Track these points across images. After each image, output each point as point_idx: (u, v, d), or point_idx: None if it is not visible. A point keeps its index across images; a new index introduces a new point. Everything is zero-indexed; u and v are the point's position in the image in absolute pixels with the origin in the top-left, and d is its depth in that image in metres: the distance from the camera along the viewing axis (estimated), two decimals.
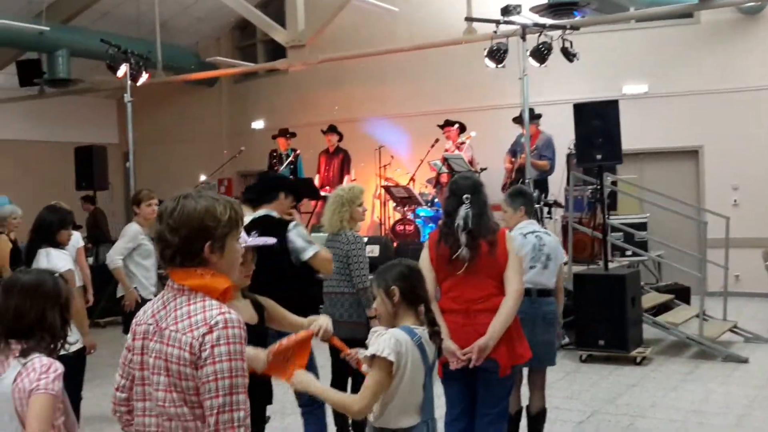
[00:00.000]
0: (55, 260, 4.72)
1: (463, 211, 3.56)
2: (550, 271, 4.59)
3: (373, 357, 2.67)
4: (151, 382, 2.00)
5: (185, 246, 1.99)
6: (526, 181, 8.42)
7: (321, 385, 2.81)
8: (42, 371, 2.33)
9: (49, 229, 4.85)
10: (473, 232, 3.55)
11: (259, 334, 2.58)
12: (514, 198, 4.65)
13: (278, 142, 11.59)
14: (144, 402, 2.04)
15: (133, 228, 6.09)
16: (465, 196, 3.60)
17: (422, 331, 2.78)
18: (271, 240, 2.92)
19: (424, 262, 3.64)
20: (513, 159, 9.88)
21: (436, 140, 10.75)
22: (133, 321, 2.12)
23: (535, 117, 9.31)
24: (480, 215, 3.60)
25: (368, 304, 4.69)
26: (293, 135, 11.56)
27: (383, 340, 2.69)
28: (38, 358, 2.37)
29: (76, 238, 6.45)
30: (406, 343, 2.71)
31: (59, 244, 4.90)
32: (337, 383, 4.50)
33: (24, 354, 2.37)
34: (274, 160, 11.54)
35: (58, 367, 2.37)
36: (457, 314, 3.55)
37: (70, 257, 4.96)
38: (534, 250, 4.51)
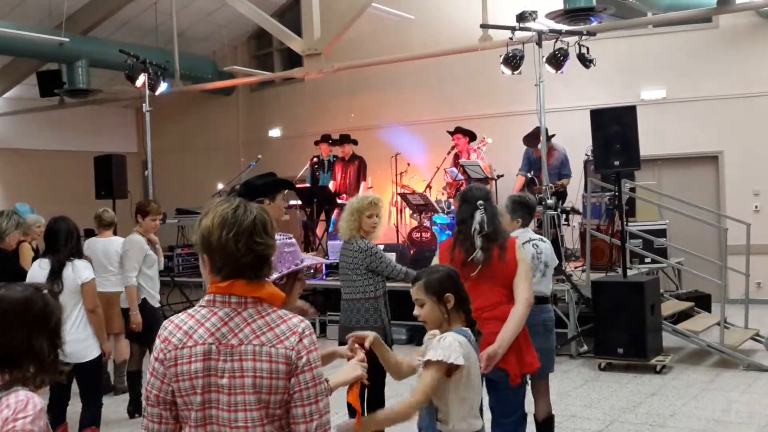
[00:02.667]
0: (80, 270, 4.77)
1: (479, 215, 3.67)
2: (548, 278, 4.63)
3: (438, 362, 2.69)
4: (221, 404, 1.89)
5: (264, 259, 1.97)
6: (544, 187, 8.40)
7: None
8: (19, 408, 1.93)
9: (77, 239, 4.86)
10: (489, 236, 3.65)
11: None
12: (515, 209, 4.52)
13: (321, 148, 11.57)
14: (205, 427, 1.91)
15: (137, 239, 6.04)
16: (479, 203, 3.71)
17: (469, 332, 2.87)
18: (322, 259, 2.94)
19: None
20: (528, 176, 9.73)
21: (453, 147, 10.73)
22: (164, 345, 1.93)
23: (548, 138, 8.92)
24: (493, 219, 3.71)
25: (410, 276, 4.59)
26: (336, 141, 11.49)
27: (447, 345, 2.72)
28: (15, 393, 1.97)
29: (118, 244, 6.43)
30: (467, 344, 2.78)
31: (81, 254, 4.93)
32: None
33: (5, 387, 1.99)
34: (316, 166, 11.58)
35: (37, 403, 1.98)
36: None
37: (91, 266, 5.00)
38: (533, 259, 4.47)
